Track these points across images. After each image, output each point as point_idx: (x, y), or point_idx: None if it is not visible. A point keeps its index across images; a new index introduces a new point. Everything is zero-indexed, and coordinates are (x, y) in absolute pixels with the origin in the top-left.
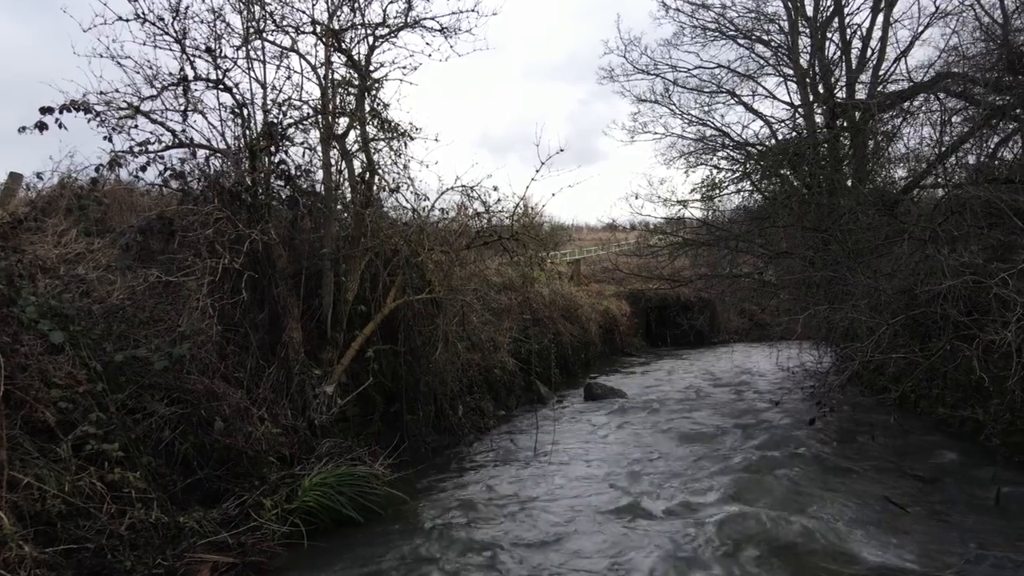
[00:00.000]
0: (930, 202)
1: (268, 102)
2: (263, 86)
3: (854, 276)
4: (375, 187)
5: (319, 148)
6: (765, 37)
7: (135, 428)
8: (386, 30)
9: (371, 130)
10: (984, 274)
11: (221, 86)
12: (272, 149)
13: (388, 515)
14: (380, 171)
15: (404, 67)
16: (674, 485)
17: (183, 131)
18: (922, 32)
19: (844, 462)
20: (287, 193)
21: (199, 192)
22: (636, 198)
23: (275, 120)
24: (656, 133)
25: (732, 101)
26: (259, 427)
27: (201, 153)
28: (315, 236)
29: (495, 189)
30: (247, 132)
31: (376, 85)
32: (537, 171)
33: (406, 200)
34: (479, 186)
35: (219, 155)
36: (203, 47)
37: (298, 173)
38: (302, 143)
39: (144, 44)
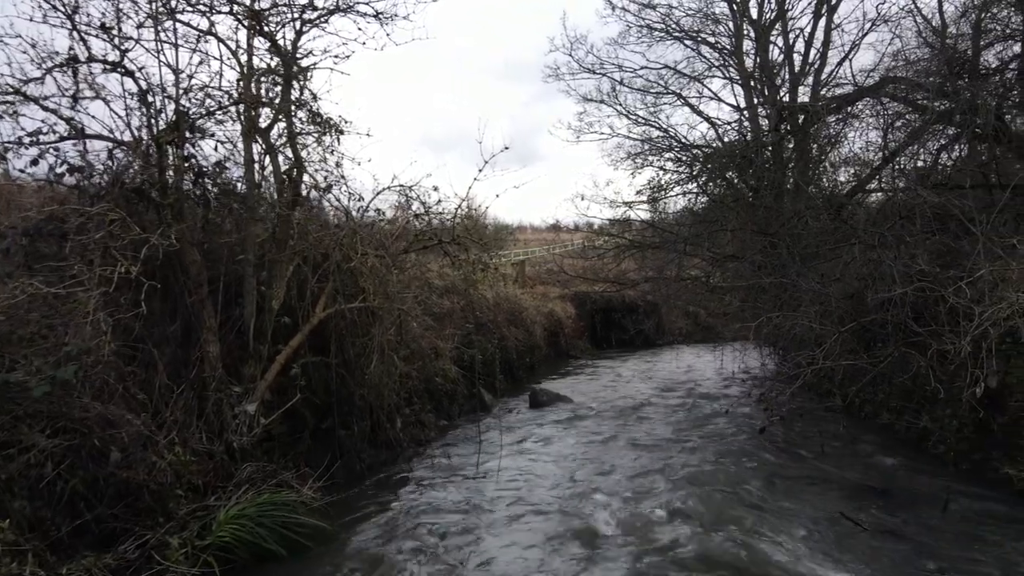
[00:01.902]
0: (876, 206)
1: (180, 90)
2: (175, 72)
3: (804, 281)
4: (303, 186)
5: (240, 142)
6: (711, 39)
7: (6, 466)
8: (315, 14)
9: (299, 123)
10: (937, 281)
11: (121, 69)
12: (178, 142)
13: (316, 547)
14: (308, 168)
15: (336, 56)
16: (620, 503)
17: (72, 119)
18: (863, 37)
19: (795, 473)
20: (201, 191)
21: (94, 189)
22: (582, 199)
23: (184, 109)
24: (602, 133)
25: (678, 102)
26: (166, 455)
27: (104, 145)
28: (235, 239)
29: (435, 189)
30: (153, 122)
31: (304, 74)
32: (480, 170)
33: (338, 200)
34: (418, 186)
35: (123, 148)
36: (97, 24)
37: (216, 169)
38: (213, 136)
39: (32, 20)
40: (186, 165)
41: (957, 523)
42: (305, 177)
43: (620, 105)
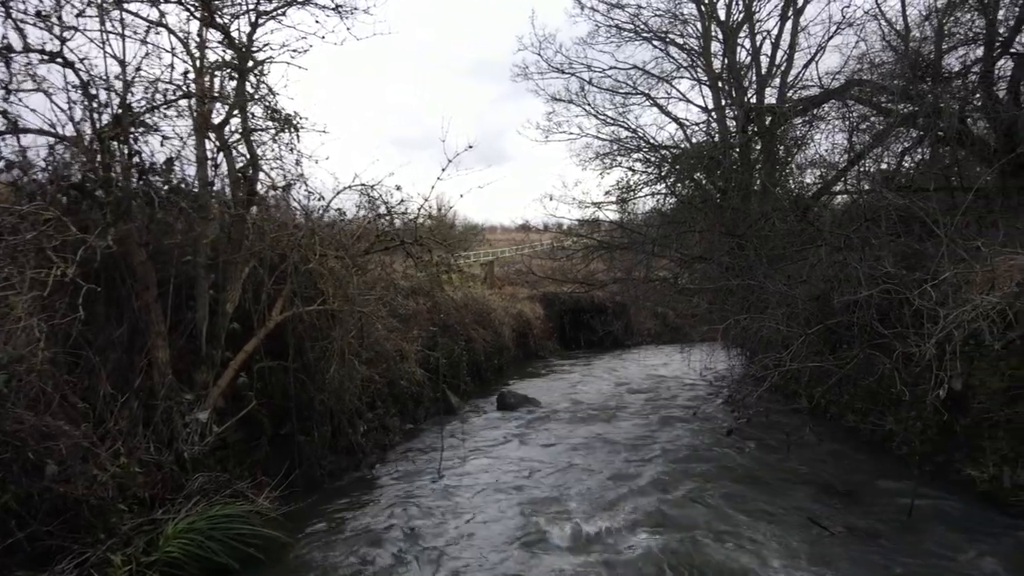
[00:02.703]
0: (842, 208)
1: (126, 82)
2: (121, 64)
3: (771, 282)
4: (259, 184)
5: (192, 138)
6: (679, 40)
7: None
8: (271, 6)
9: (254, 119)
10: (902, 284)
11: (60, 60)
12: (122, 137)
13: (270, 559)
14: (264, 166)
15: (294, 50)
16: (586, 509)
17: (6, 112)
18: (829, 40)
19: (762, 474)
20: (146, 189)
21: (32, 187)
22: (551, 199)
23: (129, 103)
24: (571, 133)
25: (647, 103)
26: (108, 467)
27: (45, 141)
28: (186, 239)
29: (398, 188)
30: (96, 116)
31: (259, 68)
32: (443, 169)
33: (295, 200)
34: (380, 185)
35: (65, 143)
36: (33, 11)
37: (165, 167)
38: (159, 131)
39: None
40: (133, 162)
41: (920, 524)
42: (261, 175)
43: (589, 105)
